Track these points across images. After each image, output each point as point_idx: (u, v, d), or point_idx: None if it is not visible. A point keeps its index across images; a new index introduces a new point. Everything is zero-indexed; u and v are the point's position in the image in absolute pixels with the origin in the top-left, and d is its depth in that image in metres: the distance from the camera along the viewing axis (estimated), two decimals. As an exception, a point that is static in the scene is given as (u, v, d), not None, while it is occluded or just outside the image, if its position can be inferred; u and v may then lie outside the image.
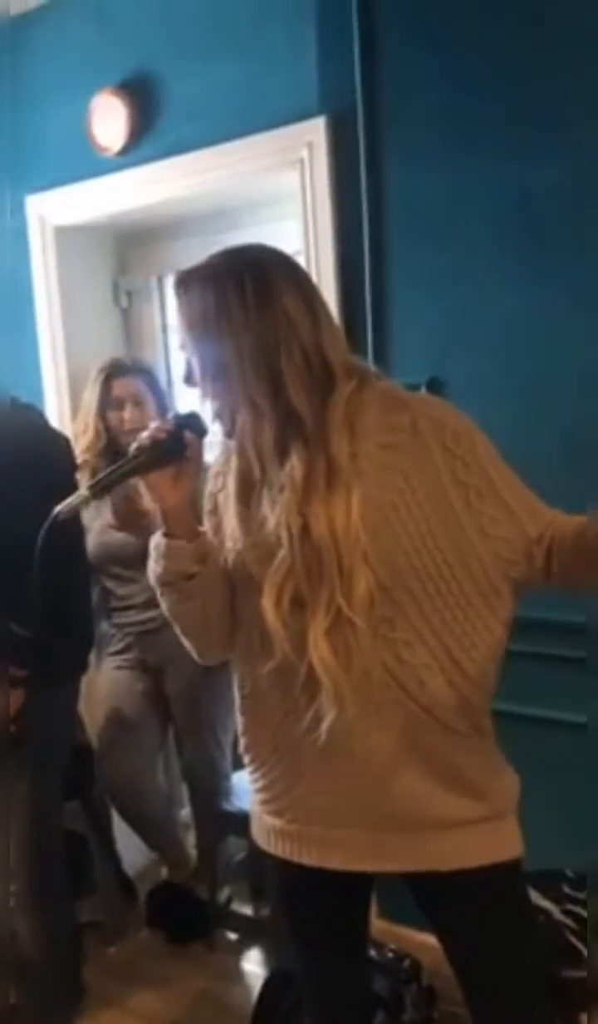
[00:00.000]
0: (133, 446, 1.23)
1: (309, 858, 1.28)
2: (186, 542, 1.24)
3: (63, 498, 1.21)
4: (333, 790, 1.23)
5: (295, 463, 1.16)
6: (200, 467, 1.25)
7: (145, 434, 1.23)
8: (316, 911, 1.37)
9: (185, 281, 1.21)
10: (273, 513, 1.19)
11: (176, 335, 1.28)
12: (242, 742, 1.34)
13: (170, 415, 1.27)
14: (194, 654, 1.35)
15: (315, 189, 2.12)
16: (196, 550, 1.24)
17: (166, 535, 1.25)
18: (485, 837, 1.25)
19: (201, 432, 1.23)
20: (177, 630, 1.33)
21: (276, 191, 2.30)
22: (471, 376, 1.93)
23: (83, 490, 1.22)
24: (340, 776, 1.21)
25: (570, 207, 1.80)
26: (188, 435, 1.22)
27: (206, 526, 1.31)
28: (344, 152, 2.06)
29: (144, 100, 2.40)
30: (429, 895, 1.32)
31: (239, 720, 1.34)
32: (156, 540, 1.26)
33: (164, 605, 1.30)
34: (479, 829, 1.24)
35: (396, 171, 2.01)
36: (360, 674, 1.16)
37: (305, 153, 2.11)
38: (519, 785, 1.30)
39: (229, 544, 1.27)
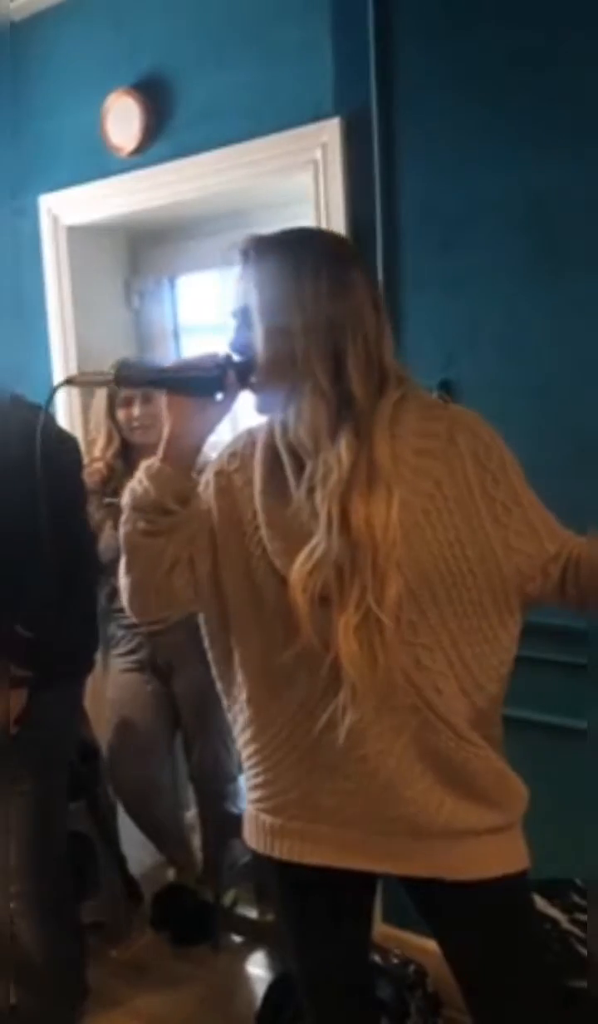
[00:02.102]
0: (181, 360, 1.21)
1: (311, 856, 1.26)
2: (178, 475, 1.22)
3: (69, 499, 1.21)
4: (342, 790, 1.21)
5: (344, 450, 1.15)
6: (225, 414, 1.22)
7: (196, 357, 1.21)
8: (316, 911, 1.35)
9: (260, 247, 1.20)
10: (307, 502, 1.17)
11: (231, 301, 1.23)
12: (243, 736, 1.30)
13: (224, 353, 1.22)
14: (124, 596, 1.29)
15: (328, 190, 2.11)
16: (183, 487, 1.22)
17: (162, 460, 1.22)
18: (494, 847, 1.24)
19: (245, 381, 1.20)
20: (122, 564, 1.27)
21: (289, 192, 2.30)
22: (482, 379, 1.92)
23: (108, 369, 1.19)
24: (350, 777, 1.20)
25: (583, 211, 1.79)
26: (230, 377, 1.19)
27: (212, 503, 1.27)
28: (358, 154, 2.05)
29: (158, 100, 2.40)
30: (433, 903, 1.30)
31: (241, 715, 1.30)
32: (148, 462, 1.23)
33: (123, 531, 1.25)
34: (488, 839, 1.23)
35: (410, 173, 2.00)
36: (383, 675, 1.15)
37: (319, 154, 2.10)
38: (527, 796, 1.29)
39: (246, 531, 1.23)
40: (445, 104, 1.93)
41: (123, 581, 1.28)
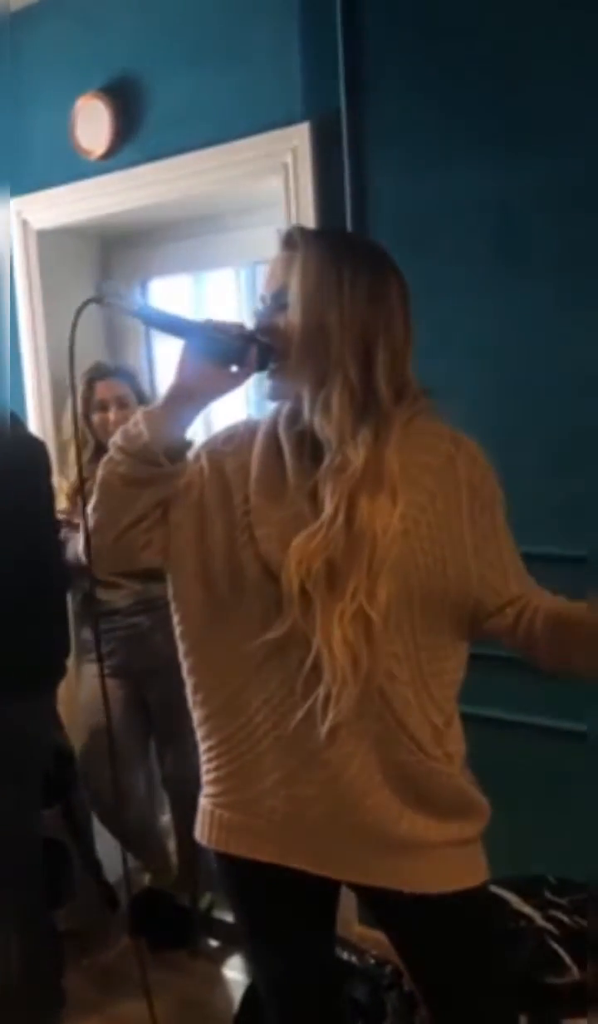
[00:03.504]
0: (210, 320, 1.20)
1: (267, 856, 1.25)
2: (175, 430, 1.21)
3: (38, 505, 1.20)
4: (302, 795, 1.21)
5: (361, 447, 1.16)
6: (232, 388, 1.22)
7: (224, 322, 1.21)
8: (273, 914, 1.33)
9: (306, 237, 1.21)
10: (301, 495, 1.18)
11: (265, 283, 1.24)
12: (207, 726, 1.28)
13: (252, 330, 1.22)
14: (90, 536, 1.26)
15: (299, 194, 2.12)
16: (175, 442, 1.21)
17: (162, 408, 1.21)
18: (453, 861, 1.24)
19: (262, 363, 1.20)
20: (91, 502, 1.24)
21: (260, 196, 2.30)
22: (453, 385, 1.92)
23: (133, 305, 1.20)
24: (312, 782, 1.20)
25: (552, 217, 1.81)
26: (251, 354, 1.19)
27: (205, 479, 1.25)
28: (328, 158, 2.06)
29: (128, 104, 2.40)
30: (390, 914, 1.30)
31: (207, 705, 1.27)
32: (147, 407, 1.23)
33: (102, 471, 1.22)
34: (447, 853, 1.23)
35: (380, 178, 2.01)
36: (364, 675, 1.15)
37: (289, 158, 2.11)
38: (489, 812, 1.29)
39: (234, 514, 1.22)
40: (414, 109, 1.94)
41: (91, 522, 1.25)
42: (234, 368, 1.20)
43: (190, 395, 1.21)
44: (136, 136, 2.41)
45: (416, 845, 1.22)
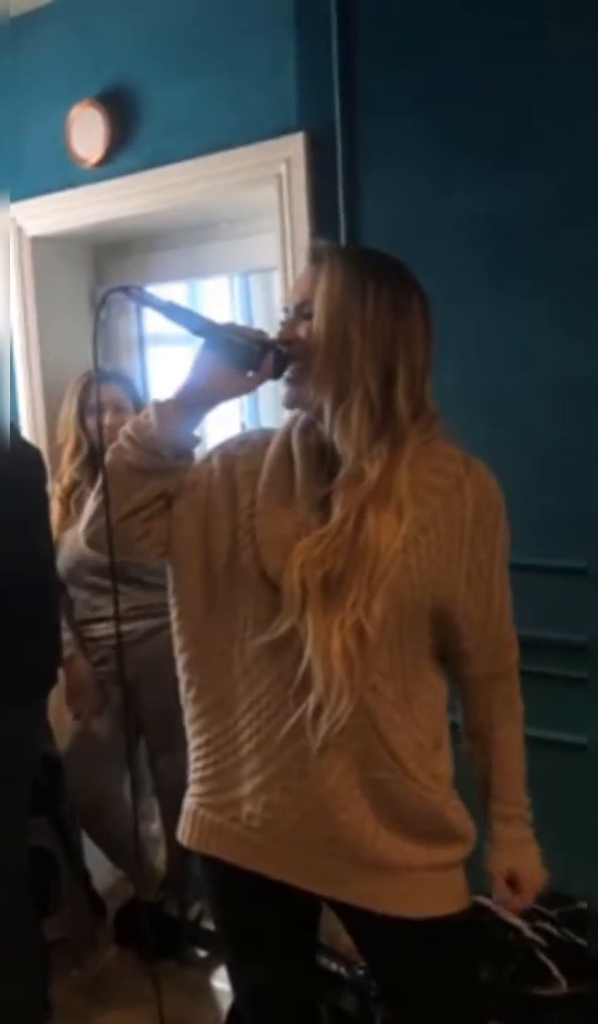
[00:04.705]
0: (232, 323, 1.22)
1: (245, 860, 1.24)
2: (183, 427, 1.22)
3: (34, 513, 1.20)
4: (280, 803, 1.20)
5: (376, 461, 1.17)
6: (244, 392, 1.23)
7: (245, 327, 1.23)
8: (250, 916, 1.33)
9: (331, 252, 1.22)
10: (308, 504, 1.20)
11: (291, 295, 1.26)
12: (197, 724, 1.29)
13: (273, 337, 1.23)
14: (84, 519, 1.28)
15: (293, 204, 2.12)
16: (182, 438, 1.22)
17: (174, 402, 1.22)
18: (431, 887, 1.23)
19: (278, 372, 1.21)
20: (95, 487, 1.27)
21: (254, 205, 2.31)
22: (442, 397, 1.93)
23: (158, 300, 1.22)
24: (288, 791, 1.20)
25: (542, 231, 1.82)
26: (268, 361, 1.20)
27: (214, 479, 1.27)
28: (322, 168, 2.07)
29: (123, 112, 2.40)
30: (364, 933, 1.30)
31: (193, 706, 1.29)
32: (160, 399, 1.23)
33: (110, 455, 1.23)
34: (425, 877, 1.22)
35: (373, 188, 2.02)
36: (355, 686, 1.15)
37: (283, 168, 2.12)
38: (474, 839, 1.28)
39: (238, 517, 1.23)
40: (409, 121, 1.95)
41: (90, 503, 1.28)
42: (249, 373, 1.21)
43: (202, 394, 1.22)
44: (131, 144, 2.41)
45: (391, 866, 1.21)
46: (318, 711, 1.15)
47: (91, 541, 1.28)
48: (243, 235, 2.49)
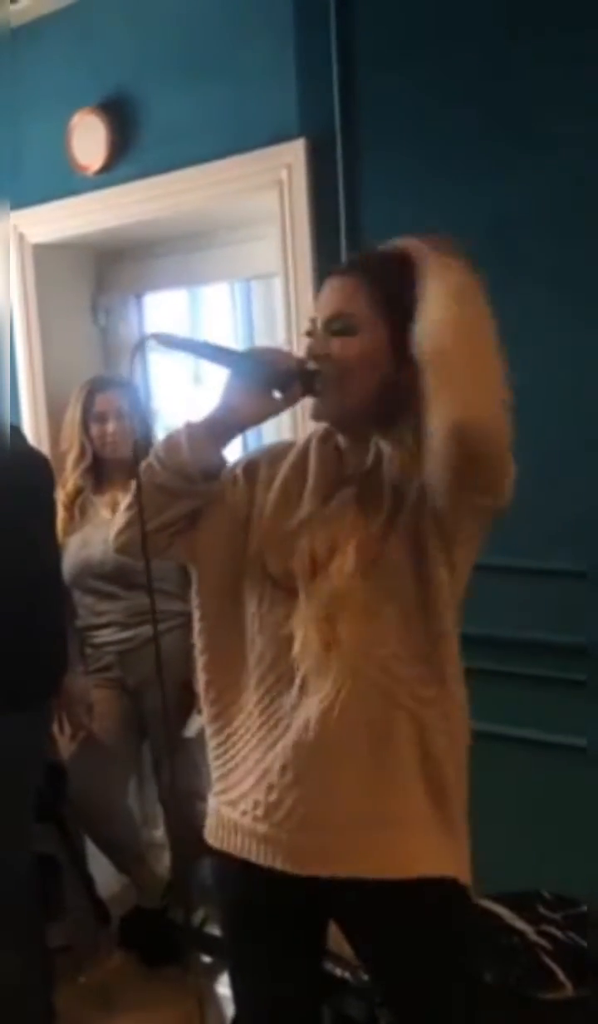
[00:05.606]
0: (259, 348, 1.27)
1: (253, 854, 1.26)
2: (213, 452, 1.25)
3: (41, 520, 1.21)
4: (279, 784, 1.22)
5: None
6: (275, 413, 1.25)
7: (272, 352, 1.26)
8: (258, 919, 1.33)
9: (371, 266, 1.26)
10: (322, 496, 1.25)
11: (326, 306, 1.26)
12: (211, 727, 1.32)
13: (299, 359, 1.25)
14: (115, 526, 1.33)
15: (294, 210, 2.13)
16: (212, 462, 1.25)
17: (204, 425, 1.24)
18: (422, 846, 1.22)
19: (309, 389, 1.23)
20: (126, 500, 1.30)
21: (255, 212, 2.32)
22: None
23: (186, 341, 1.26)
24: (286, 771, 1.21)
25: (544, 230, 1.82)
26: (296, 387, 1.22)
27: (238, 488, 1.32)
28: (323, 174, 2.08)
29: (124, 119, 2.41)
30: (362, 930, 1.30)
31: (210, 707, 1.31)
32: (193, 420, 1.25)
33: (145, 475, 1.26)
34: (430, 832, 1.22)
35: (374, 193, 2.02)
36: (339, 666, 1.18)
37: (284, 174, 2.13)
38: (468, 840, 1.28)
39: (253, 518, 1.29)
40: (409, 126, 1.96)
41: (120, 512, 1.32)
42: (278, 395, 1.23)
43: (233, 419, 1.25)
44: (132, 151, 2.42)
45: (398, 821, 1.21)
46: (306, 689, 1.20)
47: (121, 548, 1.33)
48: (244, 241, 2.50)
